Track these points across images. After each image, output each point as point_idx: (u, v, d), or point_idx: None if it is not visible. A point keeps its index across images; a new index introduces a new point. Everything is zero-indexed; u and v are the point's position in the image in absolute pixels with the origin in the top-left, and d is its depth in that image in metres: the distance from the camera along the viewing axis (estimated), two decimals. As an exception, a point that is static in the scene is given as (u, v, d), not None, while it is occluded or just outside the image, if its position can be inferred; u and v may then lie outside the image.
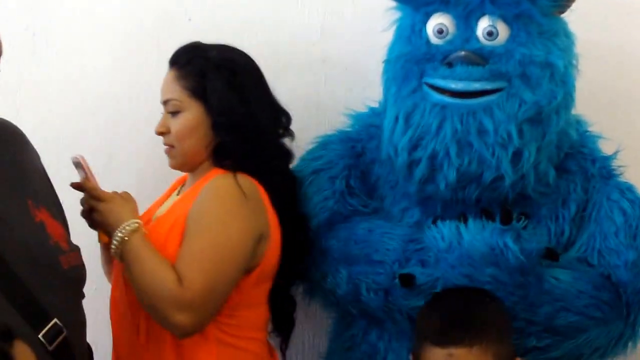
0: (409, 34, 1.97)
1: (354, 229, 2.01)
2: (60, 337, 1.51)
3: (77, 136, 2.35)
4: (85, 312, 1.67)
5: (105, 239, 1.87)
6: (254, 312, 1.92)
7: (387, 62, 2.01)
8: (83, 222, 1.89)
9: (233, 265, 1.81)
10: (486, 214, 1.88)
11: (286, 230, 1.93)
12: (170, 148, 1.95)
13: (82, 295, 1.67)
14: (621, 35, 2.33)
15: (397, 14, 2.02)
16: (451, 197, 1.92)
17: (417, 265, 1.91)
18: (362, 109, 2.14)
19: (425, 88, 1.91)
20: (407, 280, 1.89)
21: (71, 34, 2.38)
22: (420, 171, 1.90)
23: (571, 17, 1.98)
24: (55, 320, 1.51)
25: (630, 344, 1.99)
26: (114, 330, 1.95)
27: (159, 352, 1.86)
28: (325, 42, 2.36)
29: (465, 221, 1.86)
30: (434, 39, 1.94)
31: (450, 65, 1.89)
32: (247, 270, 1.85)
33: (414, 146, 1.90)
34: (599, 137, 2.07)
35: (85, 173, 1.88)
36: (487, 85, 1.88)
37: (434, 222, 1.92)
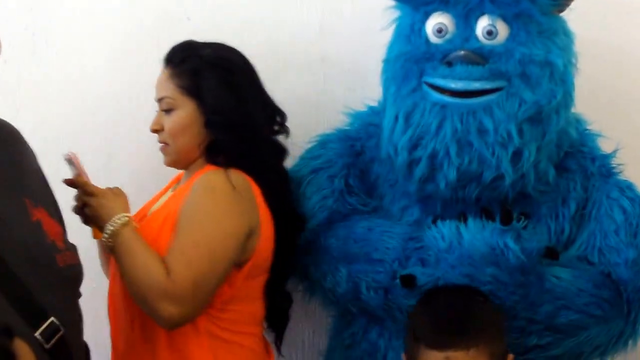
0: (408, 33, 1.97)
1: (354, 228, 2.01)
2: (58, 336, 1.51)
3: (77, 136, 2.35)
4: (84, 310, 1.67)
5: (99, 235, 1.88)
6: (249, 306, 1.93)
7: (387, 62, 2.01)
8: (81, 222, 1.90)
9: (222, 259, 1.81)
10: (486, 213, 1.88)
11: (279, 226, 1.93)
12: (165, 145, 1.96)
13: (79, 294, 1.67)
14: (620, 34, 2.33)
15: (396, 13, 2.02)
16: (451, 196, 1.92)
17: (417, 264, 1.92)
18: (361, 107, 2.14)
19: (425, 87, 1.91)
20: (408, 281, 1.89)
21: (71, 34, 2.38)
22: (420, 170, 1.90)
23: (570, 16, 1.98)
24: (52, 318, 1.51)
25: (630, 341, 2.00)
26: (111, 326, 1.95)
27: (153, 346, 1.87)
28: (324, 41, 2.36)
29: (465, 220, 1.86)
30: (434, 38, 1.94)
31: (449, 64, 1.89)
32: (238, 265, 1.86)
33: (414, 145, 1.90)
34: (599, 135, 2.08)
35: (77, 169, 1.89)
36: (487, 85, 1.88)
37: (434, 221, 1.92)
